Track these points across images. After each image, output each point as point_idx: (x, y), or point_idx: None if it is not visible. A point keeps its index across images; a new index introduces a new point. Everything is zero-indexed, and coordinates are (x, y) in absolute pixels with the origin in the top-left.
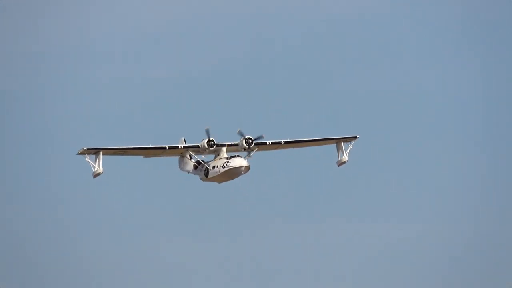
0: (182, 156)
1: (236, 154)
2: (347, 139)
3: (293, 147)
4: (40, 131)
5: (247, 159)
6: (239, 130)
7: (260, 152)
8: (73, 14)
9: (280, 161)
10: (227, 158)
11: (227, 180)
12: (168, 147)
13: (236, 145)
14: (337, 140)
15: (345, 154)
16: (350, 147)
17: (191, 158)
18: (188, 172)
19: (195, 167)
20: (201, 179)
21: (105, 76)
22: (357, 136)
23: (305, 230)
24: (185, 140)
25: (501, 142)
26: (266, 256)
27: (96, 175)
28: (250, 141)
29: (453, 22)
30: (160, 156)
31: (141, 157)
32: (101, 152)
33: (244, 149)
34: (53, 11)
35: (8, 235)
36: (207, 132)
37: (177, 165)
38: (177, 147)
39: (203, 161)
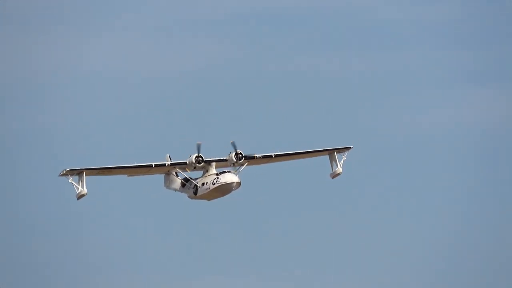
0: (167, 174)
1: (226, 169)
2: (341, 150)
3: (285, 160)
4: (19, 151)
5: (237, 174)
6: (233, 142)
7: (250, 166)
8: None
9: (271, 175)
10: (217, 174)
11: (217, 197)
12: (155, 164)
13: (225, 160)
14: (330, 151)
15: (338, 165)
16: (344, 158)
17: (177, 175)
18: (175, 190)
19: (183, 185)
20: (189, 197)
21: (86, 92)
22: (351, 147)
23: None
24: (170, 157)
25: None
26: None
27: (80, 196)
28: (240, 155)
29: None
30: (146, 175)
31: (126, 176)
32: (84, 173)
33: (234, 164)
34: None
35: None
36: (198, 147)
37: (162, 184)
38: (164, 165)
39: (190, 178)
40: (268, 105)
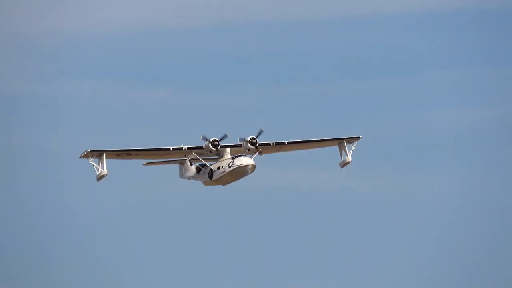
0: (182, 163)
1: (241, 154)
2: (350, 140)
3: (297, 148)
4: (41, 134)
5: (253, 158)
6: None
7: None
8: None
9: (283, 163)
10: (232, 158)
11: (232, 181)
12: (172, 148)
13: (240, 146)
14: (339, 141)
15: (348, 154)
16: (353, 147)
17: (191, 164)
18: (190, 178)
19: (198, 171)
20: (204, 183)
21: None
22: (360, 137)
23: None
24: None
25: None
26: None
27: (100, 177)
28: (254, 141)
29: None
30: (163, 160)
31: (142, 164)
32: (104, 154)
33: (248, 150)
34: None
35: (10, 239)
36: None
37: (177, 175)
38: (181, 148)
39: (206, 164)
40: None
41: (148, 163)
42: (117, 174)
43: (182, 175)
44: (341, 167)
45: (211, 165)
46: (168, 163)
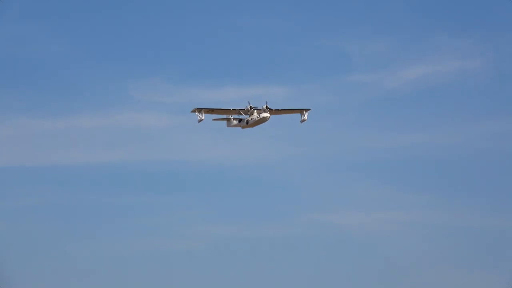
0: (228, 120)
1: (262, 111)
2: (306, 110)
3: (280, 113)
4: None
5: (268, 113)
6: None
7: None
8: None
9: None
10: (258, 114)
11: (257, 125)
12: (232, 108)
13: (261, 109)
14: (300, 110)
15: (305, 116)
16: (307, 113)
17: (234, 120)
18: (233, 126)
19: (239, 121)
20: (242, 127)
21: None
22: (310, 108)
23: None
24: (250, 102)
25: None
26: None
27: (200, 120)
28: (267, 107)
29: None
30: (224, 116)
31: (212, 119)
32: (203, 110)
33: (264, 111)
34: None
35: None
36: (249, 103)
37: (225, 126)
38: (237, 109)
39: (242, 118)
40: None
41: (215, 119)
42: (206, 124)
43: (228, 125)
44: (301, 122)
45: (245, 118)
46: (225, 120)
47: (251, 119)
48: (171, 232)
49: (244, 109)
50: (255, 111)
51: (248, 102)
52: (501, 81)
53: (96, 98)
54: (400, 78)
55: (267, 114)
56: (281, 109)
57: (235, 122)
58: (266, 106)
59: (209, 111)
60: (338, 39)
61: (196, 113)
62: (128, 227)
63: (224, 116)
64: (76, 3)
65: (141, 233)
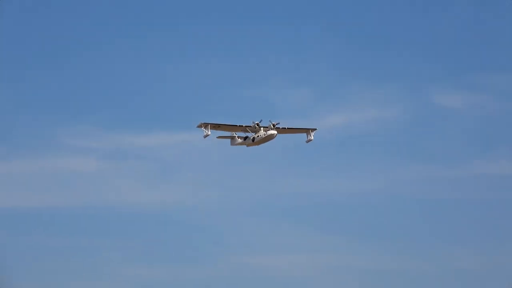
0: (232, 138)
1: (269, 128)
2: (312, 129)
3: (286, 132)
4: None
5: (275, 131)
6: (252, 121)
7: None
8: None
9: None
10: (265, 131)
11: (264, 143)
12: (239, 125)
13: (266, 127)
14: (306, 130)
15: (311, 136)
16: (313, 133)
17: (238, 138)
18: (238, 144)
19: (244, 139)
20: (247, 145)
21: None
22: (316, 128)
23: None
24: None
25: None
26: None
27: (206, 135)
28: (273, 124)
29: None
30: (228, 134)
31: (216, 137)
32: (209, 125)
33: (270, 128)
34: None
35: None
36: (260, 121)
37: (229, 144)
38: (243, 126)
39: (248, 135)
40: None
41: (219, 137)
42: (209, 140)
43: (232, 144)
44: (306, 142)
45: (251, 136)
46: (228, 138)
47: (257, 136)
48: (96, 275)
49: (250, 126)
50: (262, 128)
51: (253, 121)
52: (418, 129)
53: (25, 143)
54: (321, 125)
55: (274, 132)
56: (287, 128)
57: (239, 140)
58: (273, 124)
59: (215, 126)
60: (262, 88)
61: (202, 128)
62: (56, 270)
63: (228, 134)
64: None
65: (67, 276)
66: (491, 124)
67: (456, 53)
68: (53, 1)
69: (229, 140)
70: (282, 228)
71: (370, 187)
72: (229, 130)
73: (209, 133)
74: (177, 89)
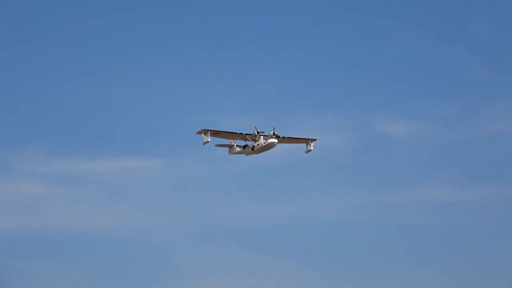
0: (231, 147)
1: (269, 137)
2: (312, 140)
3: (287, 142)
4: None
5: (276, 139)
6: (255, 127)
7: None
8: None
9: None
10: (265, 139)
11: (263, 151)
12: (239, 132)
13: (266, 135)
14: (306, 140)
15: (311, 147)
16: (313, 144)
17: (237, 146)
18: (236, 153)
19: (244, 147)
20: (246, 154)
21: None
22: (316, 139)
23: None
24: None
25: None
26: None
27: (206, 142)
28: (273, 132)
29: None
30: (227, 143)
31: (214, 145)
32: (209, 132)
33: (271, 137)
34: None
35: None
36: (256, 128)
37: (227, 153)
38: (243, 133)
39: (248, 144)
40: None
41: (217, 145)
42: (208, 148)
43: (230, 153)
44: (306, 153)
45: (251, 144)
46: (227, 146)
47: (258, 144)
48: None
49: (250, 134)
50: (262, 137)
51: (255, 127)
52: (361, 156)
53: None
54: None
55: (274, 140)
56: (287, 137)
57: (238, 149)
58: (273, 132)
59: (215, 133)
60: (210, 115)
61: (202, 135)
62: None
63: (227, 142)
64: None
65: None
66: (433, 151)
67: (400, 81)
68: None
69: (227, 148)
70: (229, 252)
71: (315, 212)
72: (229, 138)
73: (209, 139)
74: (128, 115)
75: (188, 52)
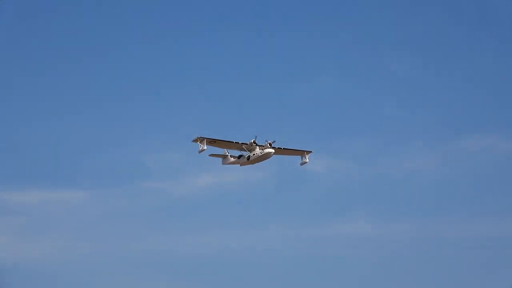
0: (224, 157)
1: (266, 147)
2: (308, 152)
3: (283, 153)
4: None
5: (272, 149)
6: (255, 136)
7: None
8: None
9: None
10: (261, 149)
11: (259, 162)
12: (235, 141)
13: (262, 145)
14: (302, 152)
15: (306, 159)
16: (308, 156)
17: (231, 157)
18: (230, 163)
19: (239, 157)
20: (241, 164)
21: None
22: (312, 151)
23: None
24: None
25: None
26: None
27: (202, 150)
28: (269, 143)
29: None
30: (222, 153)
31: (208, 155)
32: (205, 140)
33: (267, 147)
34: None
35: None
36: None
37: (220, 163)
38: (239, 143)
39: (243, 154)
40: None
41: (211, 155)
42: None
43: (224, 163)
44: (301, 165)
45: (246, 154)
46: (221, 156)
47: (253, 154)
48: None
49: (247, 144)
50: (258, 147)
51: (256, 136)
52: (282, 192)
53: None
54: (193, 184)
55: (271, 150)
56: (283, 148)
57: (232, 159)
58: (269, 143)
59: (211, 142)
60: (134, 148)
61: (198, 143)
62: None
63: (221, 153)
64: None
65: None
66: (350, 188)
67: (319, 119)
68: None
69: (221, 159)
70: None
71: (236, 244)
72: (224, 147)
73: (205, 148)
74: (52, 147)
75: (111, 84)
